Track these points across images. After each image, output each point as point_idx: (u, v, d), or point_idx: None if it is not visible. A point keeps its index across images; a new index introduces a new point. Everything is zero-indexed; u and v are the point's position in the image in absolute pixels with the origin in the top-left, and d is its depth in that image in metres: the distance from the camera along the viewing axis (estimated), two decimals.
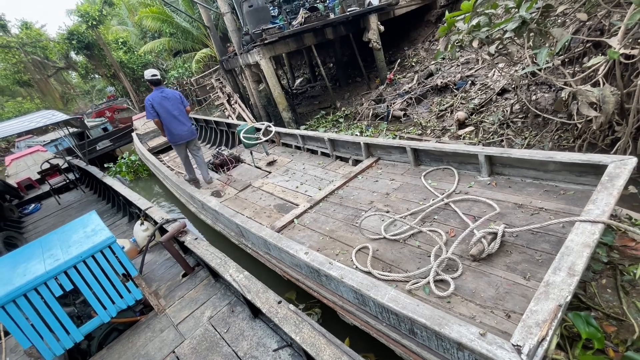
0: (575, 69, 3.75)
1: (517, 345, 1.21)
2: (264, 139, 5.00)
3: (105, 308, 2.37)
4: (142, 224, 3.70)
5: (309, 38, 7.48)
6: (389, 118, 6.25)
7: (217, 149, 6.01)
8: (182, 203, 4.93)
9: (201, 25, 17.17)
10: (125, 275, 2.61)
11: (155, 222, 3.51)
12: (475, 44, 3.59)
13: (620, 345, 1.82)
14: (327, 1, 9.14)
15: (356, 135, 5.97)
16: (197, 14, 15.08)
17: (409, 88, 7.00)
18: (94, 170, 6.41)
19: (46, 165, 6.68)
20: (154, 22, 17.30)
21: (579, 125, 3.40)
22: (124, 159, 8.80)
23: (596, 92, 2.50)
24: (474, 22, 3.60)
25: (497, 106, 5.09)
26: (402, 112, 6.19)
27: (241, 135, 5.04)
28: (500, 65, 5.93)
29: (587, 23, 3.68)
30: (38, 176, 7.04)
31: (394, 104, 6.56)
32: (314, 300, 2.79)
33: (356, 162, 4.20)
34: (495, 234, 2.03)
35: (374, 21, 7.87)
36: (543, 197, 2.40)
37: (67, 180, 6.68)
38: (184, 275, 3.04)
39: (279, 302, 1.89)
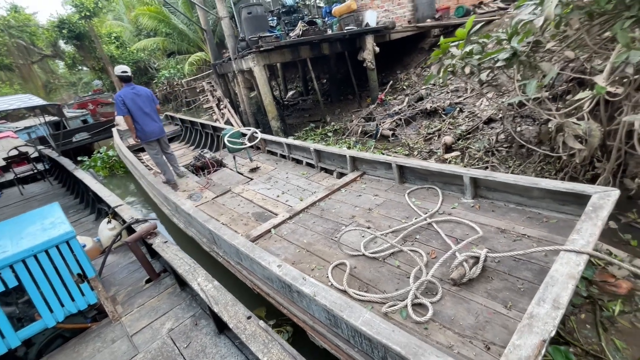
0: (559, 104, 3.87)
1: None
2: (249, 144, 4.88)
3: (52, 311, 2.13)
4: (109, 222, 3.45)
5: (305, 51, 7.53)
6: (378, 136, 6.27)
7: (200, 151, 5.81)
8: (157, 204, 4.68)
9: (198, 28, 17.16)
10: (81, 275, 2.37)
11: (124, 221, 3.27)
12: (467, 70, 3.66)
13: None
14: (326, 18, 9.31)
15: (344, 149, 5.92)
16: (196, 17, 15.07)
17: (399, 109, 7.09)
18: (65, 161, 6.06)
19: (14, 152, 6.26)
20: (151, 21, 17.12)
21: (563, 158, 3.47)
22: (100, 153, 8.41)
23: (583, 125, 2.55)
24: (467, 49, 3.69)
25: (483, 134, 5.19)
26: (391, 132, 6.23)
27: (226, 139, 4.90)
28: (489, 95, 6.12)
29: (572, 63, 3.84)
30: (3, 163, 6.59)
31: (383, 123, 6.61)
32: (284, 317, 2.61)
33: (341, 174, 4.14)
34: (478, 258, 1.98)
35: (370, 42, 8.03)
36: (526, 224, 2.38)
37: (35, 170, 6.28)
38: (147, 281, 2.82)
39: (248, 318, 1.73)
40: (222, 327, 2.13)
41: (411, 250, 2.34)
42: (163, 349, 2.10)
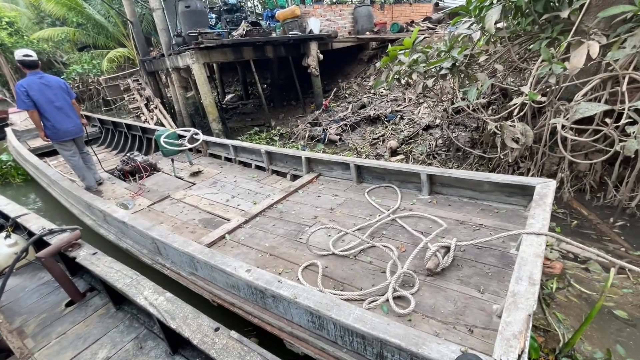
0: (488, 112, 4.38)
1: None
2: (189, 146, 4.42)
3: None
4: (7, 236, 2.73)
5: (248, 52, 7.25)
6: (326, 140, 6.30)
7: (129, 154, 5.05)
8: (74, 215, 3.92)
9: (119, 22, 15.39)
10: None
11: (31, 234, 2.61)
12: (414, 76, 3.90)
13: (550, 353, 1.94)
14: (268, 22, 9.18)
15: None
16: (117, 5, 13.49)
17: (344, 115, 7.27)
18: None
19: None
20: (58, 7, 14.75)
21: (494, 158, 3.88)
22: None
23: (520, 126, 2.88)
24: (414, 57, 3.93)
25: (423, 139, 5.59)
26: (338, 137, 6.32)
27: (161, 140, 4.35)
28: (425, 104, 6.65)
29: (498, 76, 4.39)
30: None
31: (330, 128, 6.68)
32: (248, 327, 2.34)
33: (294, 177, 3.98)
34: (448, 248, 2.05)
35: (314, 48, 8.13)
36: (481, 215, 2.55)
37: None
38: (68, 305, 2.27)
39: (216, 330, 1.46)
40: (176, 346, 1.79)
41: (383, 245, 2.32)
42: None
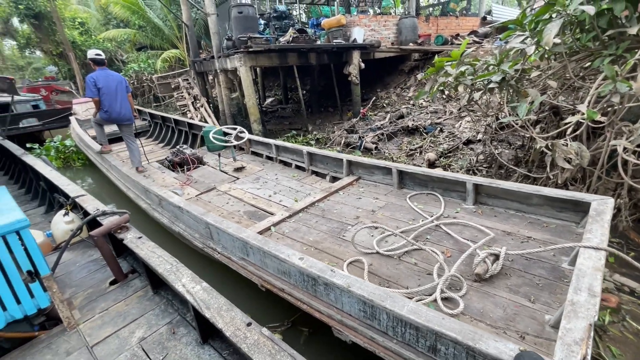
0: (536, 130, 4.13)
1: None
2: (235, 143, 4.65)
3: None
4: (66, 214, 3.00)
5: (293, 58, 7.46)
6: (362, 148, 6.28)
7: (178, 147, 5.40)
8: (130, 198, 4.27)
9: (174, 25, 16.52)
10: (31, 273, 1.97)
11: (86, 214, 2.85)
12: (460, 89, 3.78)
13: None
14: (313, 30, 9.39)
15: None
16: (175, 10, 14.51)
17: (381, 124, 7.21)
18: (10, 145, 5.32)
19: None
20: (123, 10, 16.20)
21: (541, 178, 3.64)
22: (55, 142, 7.54)
23: (575, 146, 2.69)
24: (462, 69, 3.82)
25: (463, 153, 5.38)
26: (374, 145, 6.27)
27: (210, 135, 4.64)
28: (467, 118, 6.43)
29: (549, 92, 4.14)
30: None
31: (366, 136, 6.65)
32: (296, 314, 2.45)
33: (334, 179, 4.04)
34: (497, 255, 2.02)
35: (356, 57, 8.18)
36: (528, 228, 2.46)
37: None
38: (112, 283, 2.44)
39: (249, 324, 1.49)
40: (206, 336, 1.86)
41: (429, 249, 2.30)
42: None
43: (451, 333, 1.33)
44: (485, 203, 2.84)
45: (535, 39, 3.27)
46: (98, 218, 2.61)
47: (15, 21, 22.35)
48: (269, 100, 12.69)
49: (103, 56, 4.57)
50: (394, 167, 3.37)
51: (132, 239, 2.32)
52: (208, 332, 1.84)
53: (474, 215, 2.74)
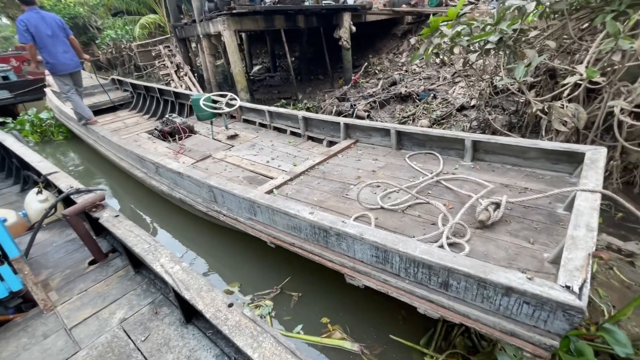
0: (533, 93, 3.97)
1: (567, 286, 1.25)
2: (227, 110, 4.47)
3: None
4: (39, 192, 2.84)
5: (280, 21, 6.98)
6: (354, 116, 6.07)
7: (167, 116, 5.18)
8: (124, 169, 4.18)
9: None
10: (0, 256, 1.85)
11: (60, 192, 2.69)
12: (456, 50, 3.56)
13: (592, 324, 2.05)
14: None
15: None
16: None
17: (373, 92, 6.94)
18: None
19: None
20: None
21: None
22: (29, 115, 7.13)
23: (572, 107, 2.57)
24: (458, 29, 3.57)
25: (456, 120, 5.24)
26: (366, 113, 6.07)
27: (200, 103, 4.44)
28: (461, 84, 6.20)
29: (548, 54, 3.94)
30: None
31: (358, 104, 6.42)
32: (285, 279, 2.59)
33: (330, 143, 3.99)
34: (498, 204, 2.09)
35: (347, 19, 7.71)
36: (525, 180, 2.53)
37: None
38: (91, 263, 2.34)
39: (229, 305, 1.42)
40: (189, 316, 1.80)
41: (432, 202, 2.35)
42: (114, 344, 1.71)
43: (463, 268, 1.41)
44: (482, 159, 2.89)
45: None
46: (72, 196, 2.46)
47: None
48: (256, 68, 12.13)
49: None
50: (392, 128, 3.36)
51: (109, 217, 2.20)
52: (191, 312, 1.78)
53: (473, 171, 2.79)
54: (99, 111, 6.95)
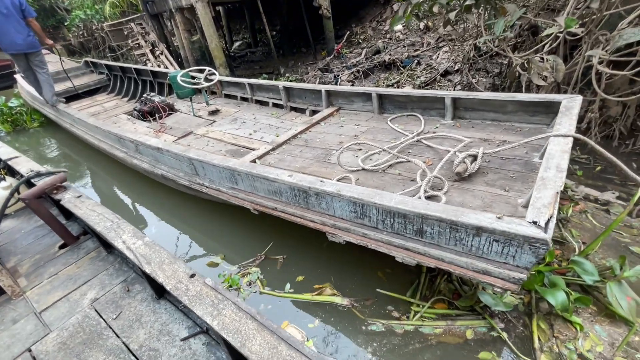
0: (514, 53, 3.86)
1: (534, 221, 1.29)
2: (206, 84, 4.33)
3: None
4: (2, 179, 2.70)
5: None
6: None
7: (145, 95, 4.99)
8: (104, 150, 4.12)
9: None
10: None
11: (22, 177, 2.57)
12: (435, 9, 3.39)
13: (564, 261, 2.16)
14: None
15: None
16: None
17: (357, 61, 6.73)
18: None
19: None
20: None
21: None
22: None
23: (550, 60, 2.48)
24: None
25: (440, 85, 5.12)
26: (350, 84, 5.90)
27: (178, 79, 4.31)
28: (445, 48, 6.01)
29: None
30: None
31: (341, 74, 6.22)
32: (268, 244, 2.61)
33: (313, 112, 3.92)
34: (476, 156, 2.10)
35: None
36: (504, 134, 2.53)
37: None
38: (62, 247, 2.27)
39: (191, 276, 1.37)
40: (161, 290, 1.76)
41: (409, 160, 2.36)
42: (85, 324, 1.67)
43: (436, 213, 1.45)
44: (463, 117, 2.89)
45: None
46: (33, 180, 2.35)
47: None
48: (236, 44, 11.65)
49: None
50: (373, 92, 3.31)
51: (71, 198, 2.11)
52: (162, 287, 1.74)
53: (453, 129, 2.79)
54: (74, 96, 6.63)
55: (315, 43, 9.11)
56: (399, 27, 8.17)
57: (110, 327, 1.64)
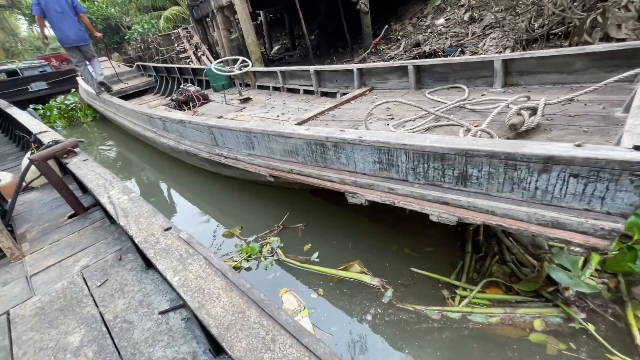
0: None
1: (636, 146, 0.91)
2: (238, 71, 4.43)
3: None
4: (32, 153, 2.75)
5: None
6: None
7: (182, 86, 5.22)
8: (138, 133, 4.28)
9: None
10: None
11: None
12: None
13: None
14: None
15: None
16: None
17: (395, 54, 6.37)
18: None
19: None
20: None
21: None
22: (56, 102, 7.44)
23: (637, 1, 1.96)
24: None
25: None
26: None
27: (212, 67, 4.42)
28: (492, 35, 5.45)
29: None
30: None
31: None
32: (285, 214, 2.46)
33: (344, 95, 3.67)
34: (535, 108, 1.67)
35: None
36: (570, 93, 1.97)
37: None
38: (71, 217, 2.19)
39: (167, 229, 1.13)
40: (150, 261, 1.55)
41: (454, 119, 1.95)
42: (69, 290, 1.51)
43: (485, 147, 1.11)
44: (516, 84, 2.41)
45: None
46: (53, 148, 2.32)
47: None
48: (275, 48, 11.87)
49: None
50: (410, 64, 2.97)
51: (77, 162, 2.02)
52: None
53: (504, 95, 2.33)
54: (124, 97, 7.10)
55: (353, 42, 8.92)
56: (441, 20, 7.70)
57: (92, 295, 1.46)
